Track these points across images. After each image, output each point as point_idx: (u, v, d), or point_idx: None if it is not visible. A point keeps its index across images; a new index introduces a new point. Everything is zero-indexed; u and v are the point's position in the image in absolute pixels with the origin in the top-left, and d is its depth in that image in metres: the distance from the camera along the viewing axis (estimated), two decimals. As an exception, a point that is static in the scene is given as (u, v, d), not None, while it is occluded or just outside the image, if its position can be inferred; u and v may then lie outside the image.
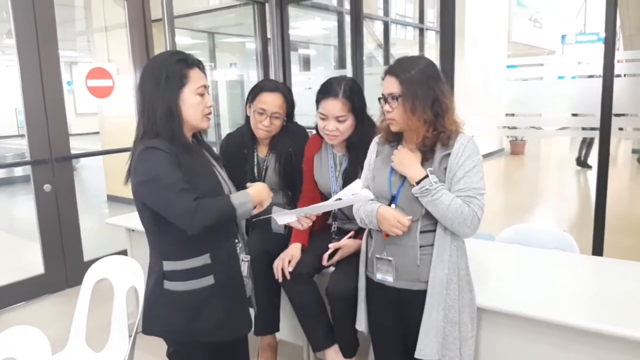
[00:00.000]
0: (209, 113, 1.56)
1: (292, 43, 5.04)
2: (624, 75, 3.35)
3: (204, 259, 1.50)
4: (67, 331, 2.09)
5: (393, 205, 1.60)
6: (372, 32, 7.91)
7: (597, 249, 3.21)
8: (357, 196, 1.58)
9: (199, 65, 1.53)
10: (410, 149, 1.61)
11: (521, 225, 2.46)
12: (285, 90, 2.26)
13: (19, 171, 8.39)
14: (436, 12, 9.13)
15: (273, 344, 2.34)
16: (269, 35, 4.88)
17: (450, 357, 1.57)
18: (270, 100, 2.19)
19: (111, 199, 6.59)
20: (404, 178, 1.60)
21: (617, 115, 3.14)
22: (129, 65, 4.15)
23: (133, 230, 2.80)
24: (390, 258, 1.61)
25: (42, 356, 1.56)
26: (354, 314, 1.83)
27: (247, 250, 1.75)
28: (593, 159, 7.11)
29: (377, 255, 1.65)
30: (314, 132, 2.19)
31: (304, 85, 5.58)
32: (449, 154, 1.55)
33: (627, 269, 1.98)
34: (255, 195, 1.52)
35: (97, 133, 7.06)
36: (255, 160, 2.32)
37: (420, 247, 1.58)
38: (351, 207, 1.77)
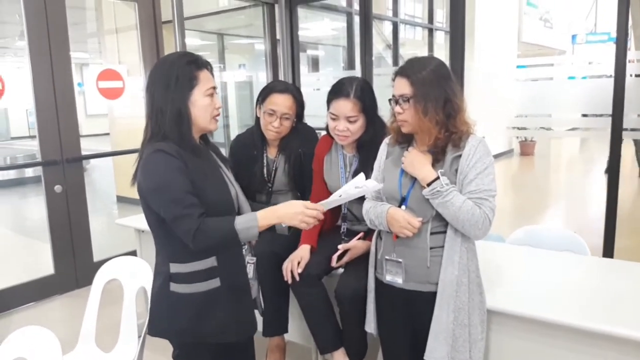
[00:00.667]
0: (218, 115, 1.56)
1: (300, 44, 5.05)
2: (636, 75, 3.31)
3: (210, 262, 1.49)
4: (76, 331, 2.10)
5: (403, 207, 1.60)
6: (381, 32, 7.90)
7: (608, 251, 3.17)
8: (365, 188, 1.54)
9: (207, 66, 1.53)
10: (420, 151, 1.60)
11: (532, 227, 2.44)
12: (295, 91, 2.26)
13: (29, 172, 8.48)
14: (445, 13, 9.10)
15: (281, 345, 2.34)
16: (278, 37, 4.89)
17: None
18: (280, 102, 2.19)
19: (121, 199, 6.63)
20: (414, 179, 1.59)
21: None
22: (139, 67, 4.18)
23: (143, 231, 2.81)
24: (400, 260, 1.60)
25: (53, 357, 1.57)
26: (362, 316, 1.82)
27: (253, 252, 1.75)
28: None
29: (387, 257, 1.64)
30: (323, 132, 2.19)
31: (313, 86, 5.58)
32: (459, 156, 1.54)
33: (638, 271, 1.95)
34: (270, 214, 1.46)
35: (107, 134, 7.11)
36: (265, 161, 2.33)
37: (431, 248, 1.57)
38: (361, 207, 1.77)
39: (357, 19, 5.24)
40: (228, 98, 7.18)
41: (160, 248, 1.54)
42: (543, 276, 1.95)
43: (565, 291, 1.80)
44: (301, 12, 5.04)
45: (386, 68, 7.20)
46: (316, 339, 2.07)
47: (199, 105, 1.49)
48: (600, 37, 14.48)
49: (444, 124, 1.54)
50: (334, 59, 9.57)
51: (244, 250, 1.63)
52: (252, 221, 1.43)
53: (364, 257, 1.91)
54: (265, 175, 2.33)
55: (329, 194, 2.15)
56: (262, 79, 5.35)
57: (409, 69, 1.55)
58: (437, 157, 1.56)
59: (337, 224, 2.18)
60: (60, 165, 3.63)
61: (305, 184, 2.24)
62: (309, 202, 1.49)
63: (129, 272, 2.15)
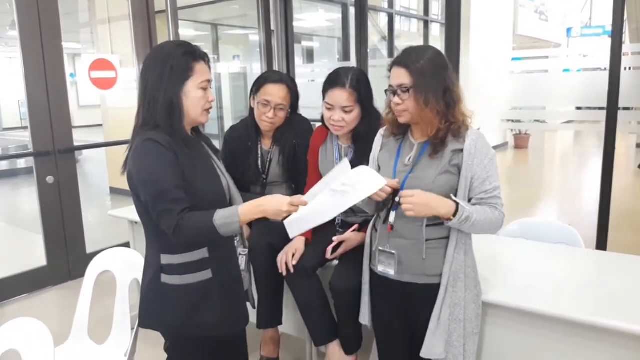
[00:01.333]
0: (210, 108, 1.53)
1: (295, 35, 5.01)
2: (630, 68, 3.31)
3: (202, 253, 1.48)
4: (69, 323, 2.09)
5: (397, 199, 1.58)
6: (377, 24, 7.86)
7: (601, 244, 3.19)
8: (364, 177, 1.49)
9: (204, 58, 1.51)
10: (418, 144, 1.59)
11: (526, 220, 2.45)
12: (289, 81, 2.24)
13: (21, 163, 8.42)
14: (441, 5, 9.06)
15: (276, 338, 2.34)
16: (272, 27, 4.85)
17: (455, 354, 1.56)
18: (275, 92, 2.17)
19: (114, 191, 6.59)
20: (409, 171, 1.58)
21: (623, 109, 3.11)
22: (132, 57, 4.13)
23: (136, 223, 2.79)
24: (394, 251, 1.58)
25: (44, 348, 1.56)
26: (357, 308, 1.81)
27: (245, 244, 1.73)
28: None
29: (380, 248, 1.63)
30: (318, 124, 2.18)
31: (308, 78, 5.56)
32: (459, 150, 1.52)
33: (631, 263, 1.96)
34: (252, 208, 1.42)
35: (100, 125, 7.06)
36: (259, 152, 2.31)
37: (427, 240, 1.56)
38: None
39: (352, 10, 5.21)
40: (222, 89, 7.14)
41: (151, 239, 1.53)
42: (537, 268, 1.96)
43: (559, 283, 1.81)
44: (296, 2, 5.00)
45: (382, 60, 7.19)
46: (311, 331, 2.06)
47: (192, 97, 1.47)
48: (595, 30, 14.51)
49: (445, 114, 1.52)
50: (328, 51, 9.53)
51: (235, 242, 1.62)
52: (233, 216, 1.40)
53: (359, 249, 1.90)
54: (260, 167, 2.31)
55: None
56: (256, 70, 5.33)
57: (407, 59, 1.52)
58: (437, 148, 1.54)
59: (332, 216, 2.16)
60: (52, 156, 3.59)
61: (299, 175, 2.23)
62: (295, 197, 1.45)
63: (121, 263, 2.13)
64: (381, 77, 1.98)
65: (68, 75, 3.77)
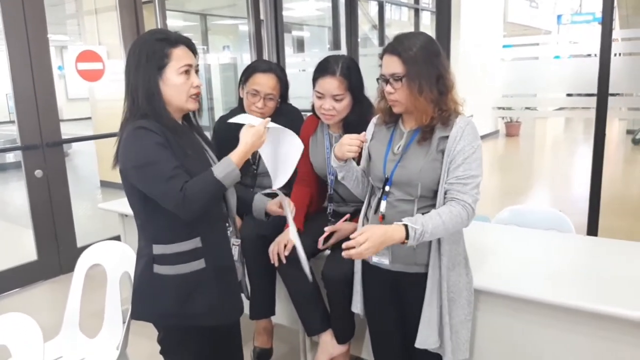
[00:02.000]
0: (196, 93, 1.49)
1: (285, 25, 4.97)
2: (620, 54, 3.32)
3: (194, 243, 1.47)
4: (60, 318, 2.07)
5: (387, 187, 1.58)
6: (367, 13, 7.82)
7: (592, 229, 3.21)
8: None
9: (185, 42, 1.47)
10: (408, 132, 1.58)
11: (517, 207, 2.45)
12: (278, 70, 2.22)
13: (10, 157, 8.32)
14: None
15: (269, 328, 2.34)
16: (262, 17, 4.81)
17: (448, 342, 1.56)
18: (264, 81, 2.15)
19: (104, 184, 6.55)
20: (397, 160, 1.57)
21: (612, 94, 3.12)
22: (119, 49, 4.08)
23: (126, 216, 2.77)
24: None
25: (34, 343, 1.54)
26: (350, 298, 1.81)
27: (238, 234, 1.72)
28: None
29: None
30: (309, 114, 2.16)
31: (299, 67, 5.52)
32: (446, 137, 1.51)
33: (622, 248, 1.98)
34: (241, 153, 1.46)
35: (89, 118, 6.98)
36: (249, 142, 2.28)
37: None
38: (347, 189, 1.76)
39: (342, -1, 5.17)
40: (212, 80, 7.08)
41: (142, 229, 1.51)
42: (528, 255, 1.97)
43: (550, 269, 1.81)
44: (285, -9, 4.96)
45: (372, 49, 7.16)
46: (303, 321, 2.06)
47: (172, 84, 1.44)
48: (585, 17, 14.53)
49: (438, 102, 1.50)
50: (319, 40, 9.47)
51: (228, 232, 1.61)
52: (229, 165, 1.42)
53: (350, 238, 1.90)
54: (250, 158, 2.29)
55: (314, 175, 2.13)
56: (246, 60, 5.28)
57: (399, 47, 1.49)
58: (425, 136, 1.53)
59: (324, 206, 2.16)
60: (40, 149, 3.55)
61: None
62: (261, 122, 1.52)
63: (112, 257, 2.11)
64: (372, 66, 1.96)
65: (56, 68, 3.73)
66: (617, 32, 3.21)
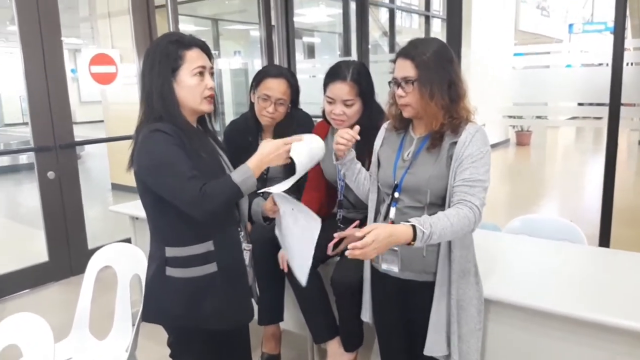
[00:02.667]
0: (210, 95, 1.50)
1: (296, 30, 4.99)
2: (632, 64, 3.29)
3: (207, 246, 1.47)
4: (71, 319, 2.09)
5: (396, 194, 1.57)
6: (377, 19, 7.83)
7: (604, 241, 3.18)
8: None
9: (199, 45, 1.49)
10: (418, 138, 1.58)
11: (528, 216, 2.44)
12: (289, 75, 2.23)
13: (23, 159, 8.42)
14: (442, 0, 9.03)
15: (277, 334, 2.33)
16: (273, 22, 4.83)
17: (458, 351, 1.55)
18: (275, 86, 2.16)
19: (115, 187, 6.59)
20: (407, 166, 1.56)
21: (624, 104, 3.10)
22: (132, 52, 4.12)
23: (137, 218, 2.78)
24: (396, 248, 1.56)
25: (45, 343, 1.55)
26: (358, 305, 1.81)
27: (249, 239, 1.73)
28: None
29: None
30: (319, 120, 2.16)
31: (309, 73, 5.54)
32: (456, 142, 1.50)
33: (634, 260, 1.95)
34: (257, 161, 1.46)
35: (102, 121, 7.05)
36: (260, 147, 2.30)
37: None
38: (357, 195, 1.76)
39: (353, 6, 5.18)
40: (223, 85, 7.12)
41: (155, 232, 1.52)
42: (540, 265, 1.95)
43: (562, 280, 1.80)
44: (297, -3, 4.99)
45: (383, 55, 7.15)
46: (311, 328, 2.06)
47: (186, 85, 1.45)
48: (596, 26, 14.46)
49: (449, 108, 1.49)
50: (329, 46, 9.51)
51: (241, 236, 1.61)
52: (247, 171, 1.42)
53: (360, 245, 1.90)
54: None
55: (324, 180, 2.13)
56: (257, 66, 5.31)
57: (413, 51, 1.49)
58: (435, 142, 1.53)
59: (333, 212, 2.16)
60: (53, 151, 3.59)
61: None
62: (287, 139, 1.54)
63: (122, 259, 2.12)
64: (382, 73, 1.97)
65: (69, 71, 3.76)
66: (629, 42, 3.18)
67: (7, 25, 9.43)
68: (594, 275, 1.89)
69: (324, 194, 2.15)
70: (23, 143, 8.95)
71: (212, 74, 1.53)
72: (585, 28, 14.80)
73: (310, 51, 9.52)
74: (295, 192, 2.27)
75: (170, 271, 1.47)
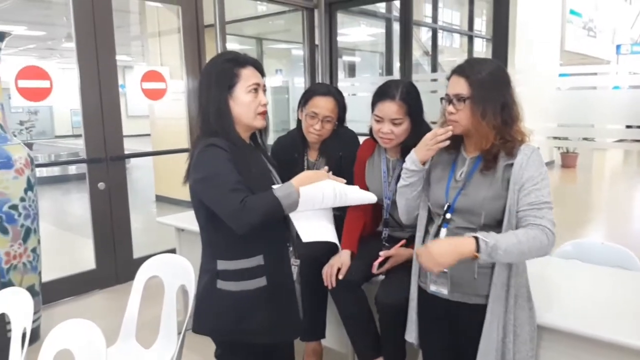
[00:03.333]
0: (263, 112, 1.55)
1: (338, 50, 5.05)
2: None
3: (257, 260, 1.50)
4: (116, 326, 2.13)
5: (448, 215, 1.56)
6: (419, 39, 7.84)
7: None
8: (361, 195, 1.58)
9: (253, 63, 1.54)
10: (470, 158, 1.56)
11: (580, 240, 2.36)
12: (337, 94, 2.26)
13: (72, 169, 8.78)
14: (484, 20, 8.97)
15: (318, 350, 2.32)
16: (317, 42, 4.91)
17: None
18: (322, 104, 2.19)
19: (159, 199, 6.76)
20: (460, 187, 1.55)
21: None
22: (180, 70, 4.26)
23: (183, 230, 2.84)
24: (446, 270, 1.54)
25: (97, 349, 1.59)
26: (403, 325, 1.78)
27: (297, 254, 1.74)
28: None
29: None
30: (363, 138, 2.18)
31: (349, 92, 5.58)
32: (511, 164, 1.48)
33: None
34: (301, 181, 1.47)
35: (147, 135, 7.29)
36: (306, 164, 2.33)
37: None
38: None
39: (395, 25, 5.21)
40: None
41: (208, 245, 1.55)
42: (594, 292, 1.88)
43: (617, 308, 1.72)
44: (338, 18, 5.04)
45: (424, 74, 7.14)
46: (355, 346, 2.04)
47: (241, 102, 1.50)
48: (646, 47, 14.00)
49: (500, 130, 1.48)
50: (370, 65, 9.55)
51: (289, 251, 1.63)
52: (290, 187, 1.43)
53: (405, 264, 1.88)
54: None
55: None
56: (298, 84, 5.39)
57: (468, 69, 1.50)
58: (488, 164, 1.51)
59: (378, 230, 2.15)
60: (104, 163, 3.73)
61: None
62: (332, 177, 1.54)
63: (170, 269, 2.16)
64: (423, 92, 1.97)
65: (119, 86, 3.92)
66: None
67: (62, 42, 9.94)
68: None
69: (369, 212, 2.14)
70: (72, 154, 9.34)
71: (264, 90, 1.57)
72: (633, 49, 14.36)
73: (351, 69, 9.59)
74: (340, 209, 2.28)
75: (221, 284, 1.50)
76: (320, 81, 4.92)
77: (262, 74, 1.58)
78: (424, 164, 1.59)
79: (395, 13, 5.46)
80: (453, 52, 9.36)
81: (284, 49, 8.60)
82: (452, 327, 1.61)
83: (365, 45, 9.21)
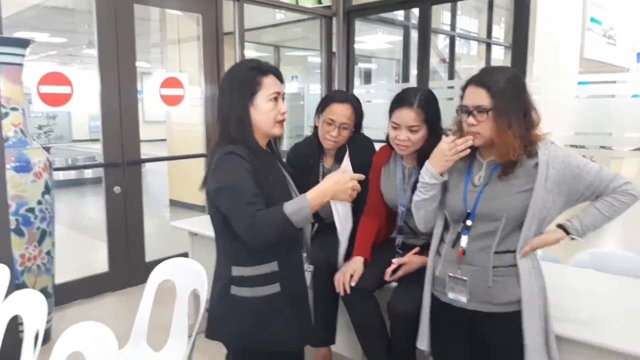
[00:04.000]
0: (282, 120, 1.56)
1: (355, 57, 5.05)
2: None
3: (272, 267, 1.50)
4: (127, 329, 2.14)
5: (469, 222, 1.54)
6: (435, 46, 7.81)
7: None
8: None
9: (274, 72, 1.55)
10: (487, 164, 1.55)
11: (596, 250, 2.33)
12: (354, 101, 2.26)
13: (88, 173, 8.89)
14: (502, 28, 8.91)
15: (328, 356, 2.31)
16: (334, 50, 4.92)
17: None
18: (340, 111, 2.19)
19: (173, 203, 6.81)
20: (479, 193, 1.53)
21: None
22: (198, 76, 4.30)
23: (196, 234, 2.86)
24: (465, 277, 1.53)
25: (108, 352, 1.60)
26: (414, 332, 1.76)
27: (311, 260, 1.73)
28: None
29: (451, 274, 1.57)
30: (379, 144, 2.17)
31: (365, 98, 5.57)
32: (535, 165, 1.48)
33: None
34: (318, 193, 1.43)
35: (163, 140, 7.35)
36: (321, 170, 2.33)
37: (494, 267, 1.50)
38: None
39: (413, 33, 5.20)
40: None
41: (222, 251, 1.56)
42: (609, 301, 1.85)
43: (634, 319, 1.69)
44: (356, 25, 5.05)
45: (440, 82, 7.10)
46: (366, 353, 2.03)
47: (262, 110, 1.51)
48: (667, 56, 13.77)
49: (524, 137, 1.47)
50: (386, 72, 9.54)
51: (303, 257, 1.62)
52: (302, 202, 1.39)
53: (418, 272, 1.86)
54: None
55: (384, 205, 2.12)
56: (313, 90, 5.40)
57: (487, 79, 1.48)
58: (507, 170, 1.50)
59: (392, 237, 2.13)
60: (121, 167, 3.76)
61: (360, 193, 2.20)
62: (355, 175, 1.52)
63: (183, 273, 2.17)
64: (440, 99, 1.96)
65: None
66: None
67: (83, 48, 10.12)
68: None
69: (383, 219, 2.13)
70: (88, 158, 9.46)
71: (283, 99, 1.58)
72: (654, 58, 14.13)
73: (367, 76, 9.59)
74: (354, 214, 2.27)
75: (235, 290, 1.50)
76: (336, 88, 4.93)
77: (282, 81, 1.59)
78: (442, 174, 1.58)
79: (414, 21, 5.44)
80: (470, 59, 9.29)
81: (300, 56, 8.64)
82: (466, 335, 1.59)
83: (382, 53, 9.21)
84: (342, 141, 2.23)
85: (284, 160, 2.46)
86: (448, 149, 1.52)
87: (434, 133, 1.91)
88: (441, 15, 7.63)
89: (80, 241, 5.62)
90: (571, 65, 10.24)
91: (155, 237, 4.58)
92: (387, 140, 2.03)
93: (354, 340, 2.07)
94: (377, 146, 2.23)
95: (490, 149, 1.54)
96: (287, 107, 1.65)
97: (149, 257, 3.94)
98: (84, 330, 1.67)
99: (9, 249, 2.54)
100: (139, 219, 3.94)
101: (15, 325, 1.95)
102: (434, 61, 7.68)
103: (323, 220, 2.29)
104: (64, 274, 3.56)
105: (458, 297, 1.56)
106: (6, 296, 1.93)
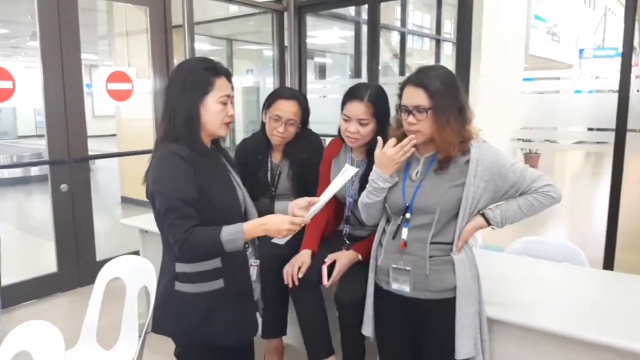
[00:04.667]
0: (229, 122, 1.58)
1: (308, 51, 5.09)
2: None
3: (215, 263, 1.52)
4: (77, 329, 2.13)
5: (408, 215, 1.62)
6: (389, 42, 7.94)
7: (608, 264, 3.18)
8: (344, 175, 1.60)
9: (226, 74, 1.57)
10: (424, 158, 1.63)
11: (530, 238, 2.46)
12: (301, 97, 2.30)
13: (35, 170, 8.54)
14: (453, 24, 9.14)
15: (280, 348, 2.35)
16: (286, 43, 4.94)
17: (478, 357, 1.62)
18: (286, 108, 2.22)
19: (125, 200, 6.67)
20: (417, 187, 1.61)
21: (631, 130, 3.12)
22: (147, 70, 4.22)
23: (146, 232, 2.84)
24: (409, 268, 1.61)
25: (56, 351, 1.59)
26: (361, 321, 1.84)
27: (257, 255, 1.77)
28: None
29: (394, 265, 1.64)
30: (329, 139, 2.22)
31: (319, 94, 5.62)
32: (468, 161, 1.56)
33: (635, 282, 1.97)
34: (256, 227, 1.46)
35: (114, 135, 7.18)
36: (269, 165, 2.36)
37: (430, 257, 1.59)
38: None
39: (364, 28, 5.28)
40: (235, 103, 7.23)
41: (167, 247, 1.57)
42: (542, 286, 1.97)
43: (565, 302, 1.82)
44: (309, 20, 5.09)
45: (393, 77, 7.23)
46: (307, 345, 2.09)
47: (211, 111, 1.53)
48: (607, 52, 14.51)
49: (461, 133, 1.56)
50: (340, 67, 9.64)
51: (247, 252, 1.66)
52: (238, 233, 1.43)
53: (362, 262, 1.93)
54: (269, 180, 2.35)
55: (333, 197, 2.16)
56: (269, 84, 5.40)
57: (425, 79, 1.54)
58: (442, 165, 1.58)
59: (339, 229, 2.20)
60: (67, 164, 3.66)
61: (308, 188, 2.26)
62: (296, 218, 1.51)
63: (131, 271, 2.17)
64: (392, 95, 2.02)
65: (84, 86, 3.85)
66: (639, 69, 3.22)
67: (27, 40, 9.69)
68: (595, 297, 1.91)
69: (331, 210, 2.18)
70: (35, 155, 9.10)
71: (232, 102, 1.61)
72: (595, 53, 14.86)
73: (322, 71, 9.65)
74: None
75: (179, 286, 1.52)
76: (289, 82, 4.96)
77: (232, 85, 1.61)
78: (391, 176, 1.64)
79: (365, 16, 5.52)
80: (423, 54, 9.51)
81: (255, 50, 8.60)
82: (408, 321, 1.68)
83: (336, 48, 9.29)
84: (289, 137, 2.27)
85: (232, 155, 2.50)
86: (395, 152, 1.58)
87: (383, 128, 1.97)
88: (394, 11, 7.76)
89: (27, 241, 5.43)
90: (517, 62, 10.63)
91: (107, 236, 4.49)
92: (339, 134, 2.09)
93: (305, 331, 2.12)
94: (328, 142, 2.28)
95: (427, 146, 1.62)
96: (241, 101, 1.67)
97: (100, 256, 3.85)
98: (30, 330, 1.65)
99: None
100: (88, 217, 3.84)
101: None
102: (386, 56, 7.82)
103: None
104: (10, 275, 3.45)
105: (402, 287, 1.63)
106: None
